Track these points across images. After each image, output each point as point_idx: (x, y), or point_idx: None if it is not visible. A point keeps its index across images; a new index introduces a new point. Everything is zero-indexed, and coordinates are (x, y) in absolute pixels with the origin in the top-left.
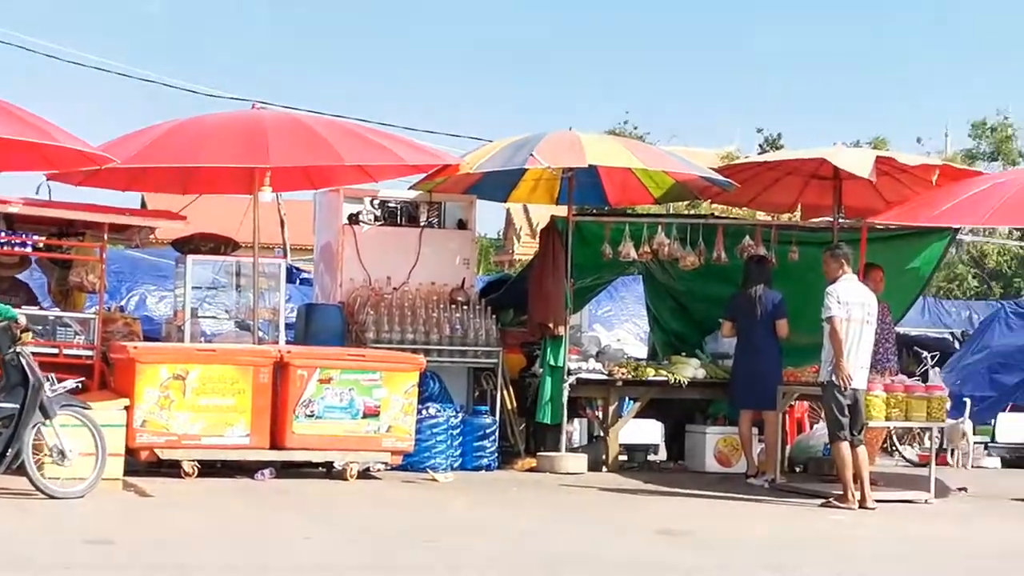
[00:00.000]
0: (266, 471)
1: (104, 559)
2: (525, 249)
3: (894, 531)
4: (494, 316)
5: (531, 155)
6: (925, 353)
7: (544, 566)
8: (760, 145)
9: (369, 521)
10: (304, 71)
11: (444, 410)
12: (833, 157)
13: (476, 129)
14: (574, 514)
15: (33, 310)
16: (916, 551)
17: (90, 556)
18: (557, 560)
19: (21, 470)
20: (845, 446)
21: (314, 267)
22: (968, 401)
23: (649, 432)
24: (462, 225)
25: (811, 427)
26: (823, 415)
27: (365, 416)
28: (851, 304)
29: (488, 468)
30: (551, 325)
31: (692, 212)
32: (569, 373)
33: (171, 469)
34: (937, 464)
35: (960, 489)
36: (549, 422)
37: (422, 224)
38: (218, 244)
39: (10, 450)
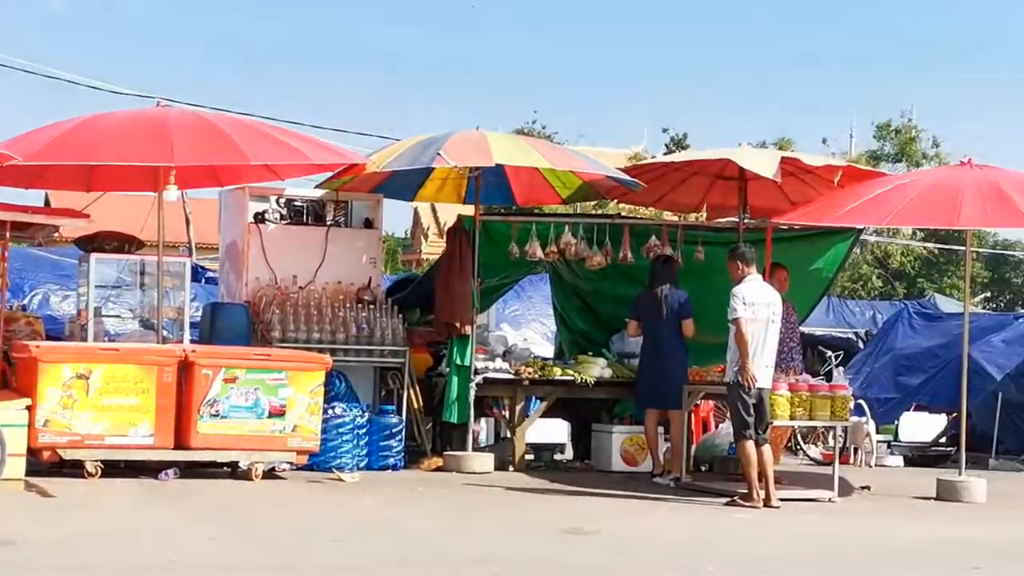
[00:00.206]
0: (170, 471)
1: (6, 560)
2: (432, 248)
3: (798, 529)
4: (401, 315)
5: (438, 154)
6: (829, 352)
7: (451, 566)
8: (666, 145)
9: (274, 521)
10: (210, 69)
11: (350, 410)
12: (738, 158)
13: (383, 128)
14: (481, 514)
15: None
16: (819, 549)
17: None
18: (464, 560)
19: None
20: (750, 445)
21: (219, 266)
22: (864, 403)
23: (556, 431)
24: (369, 224)
25: (716, 426)
26: (728, 414)
27: (270, 416)
28: (756, 304)
29: (394, 468)
30: (458, 324)
31: (599, 212)
32: (476, 372)
33: (74, 469)
34: (841, 463)
35: (863, 488)
36: (456, 421)
37: (328, 223)
38: (122, 242)
39: None
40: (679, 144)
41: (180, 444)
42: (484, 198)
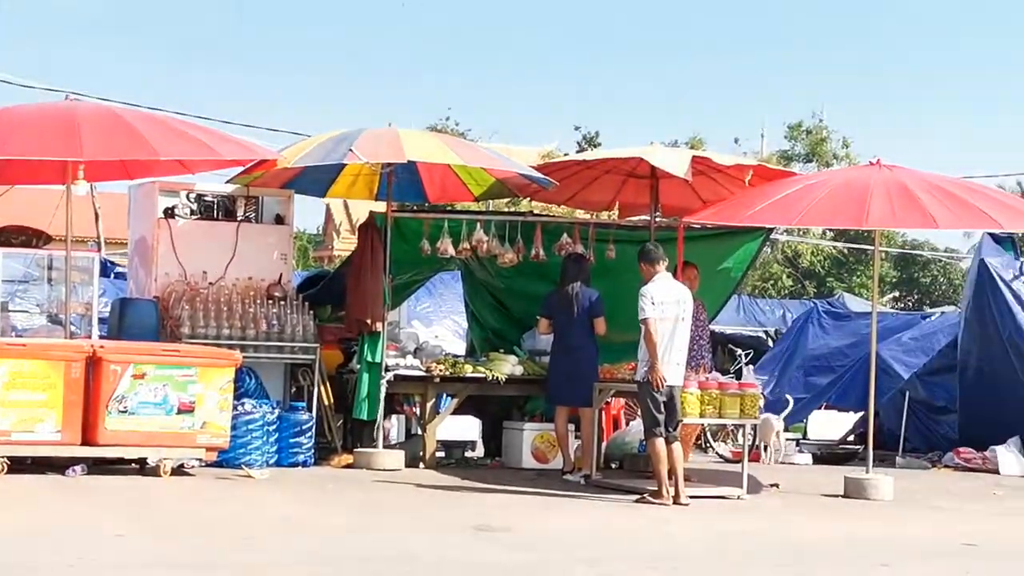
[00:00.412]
0: (77, 468)
1: None
2: (344, 245)
3: (707, 526)
4: (311, 312)
5: (350, 150)
6: (739, 351)
7: (360, 562)
8: (578, 143)
9: (183, 518)
10: (120, 64)
11: (260, 406)
12: (650, 156)
13: (295, 124)
14: (391, 511)
15: None
16: (728, 546)
17: None
18: (373, 557)
19: None
20: (660, 443)
21: (128, 261)
22: (789, 397)
23: (467, 428)
24: (280, 220)
25: (627, 424)
26: (639, 412)
27: (180, 412)
28: (665, 303)
29: (304, 464)
30: (369, 321)
31: (511, 210)
32: (387, 369)
33: None
34: (750, 460)
35: (772, 485)
36: (366, 418)
37: (239, 219)
38: (30, 237)
39: None
40: (591, 142)
41: (88, 441)
42: (396, 195)
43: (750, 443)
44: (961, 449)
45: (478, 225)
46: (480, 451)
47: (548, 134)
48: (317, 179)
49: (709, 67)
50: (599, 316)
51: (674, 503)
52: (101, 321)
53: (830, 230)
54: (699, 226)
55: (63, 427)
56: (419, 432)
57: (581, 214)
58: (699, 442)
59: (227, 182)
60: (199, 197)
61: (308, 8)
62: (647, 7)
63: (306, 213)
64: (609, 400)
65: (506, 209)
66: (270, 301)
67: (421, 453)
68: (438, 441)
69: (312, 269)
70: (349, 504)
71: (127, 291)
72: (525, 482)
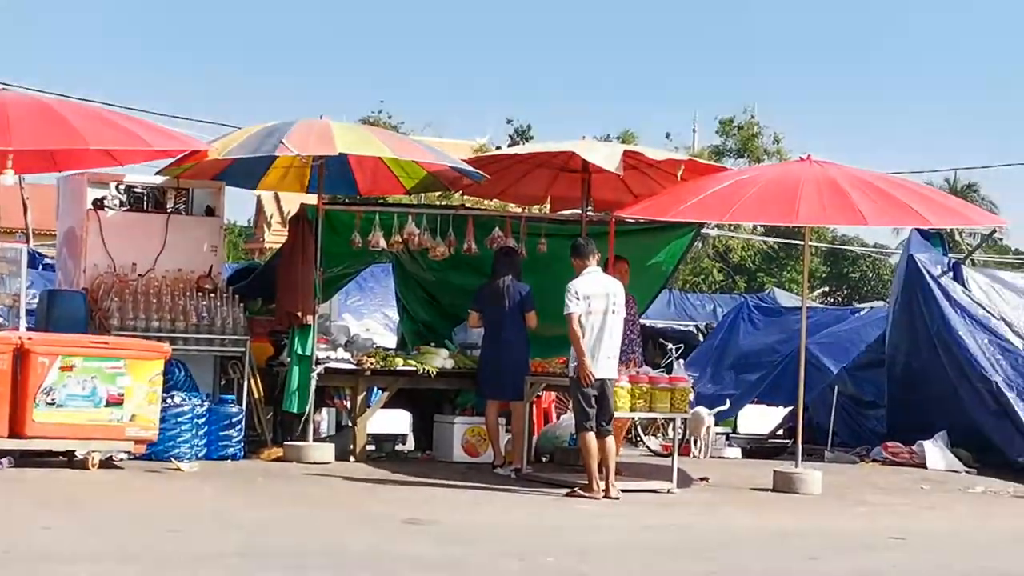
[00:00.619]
0: (4, 460)
1: None
2: (276, 237)
3: (637, 520)
4: (242, 304)
5: (281, 142)
6: (670, 345)
7: (288, 555)
8: (511, 136)
9: (111, 511)
10: (53, 54)
11: (189, 399)
12: (582, 151)
13: (227, 116)
14: (320, 504)
15: None
16: (658, 539)
17: None
18: (302, 550)
19: None
20: (591, 436)
21: (57, 252)
22: (728, 401)
23: (397, 422)
24: (210, 212)
25: (558, 417)
26: (570, 406)
27: (108, 404)
28: (593, 296)
29: (234, 457)
30: (299, 314)
31: (443, 203)
32: (317, 362)
33: None
34: (680, 454)
35: (702, 479)
36: (296, 411)
37: (169, 210)
38: None
39: None
40: (524, 135)
41: (15, 433)
42: (328, 187)
43: (680, 437)
44: (889, 443)
45: (410, 218)
46: (411, 444)
47: (481, 127)
48: (248, 171)
49: (641, 61)
50: (530, 310)
51: (605, 496)
52: (29, 313)
53: (761, 225)
54: (631, 220)
55: None
56: (349, 425)
57: (513, 208)
58: (629, 436)
59: (157, 173)
60: (129, 188)
61: None
62: (582, 1)
63: (237, 205)
64: (540, 394)
65: (438, 202)
66: (200, 293)
67: (351, 446)
68: (368, 434)
69: (243, 261)
70: (278, 497)
71: (56, 283)
72: (455, 475)
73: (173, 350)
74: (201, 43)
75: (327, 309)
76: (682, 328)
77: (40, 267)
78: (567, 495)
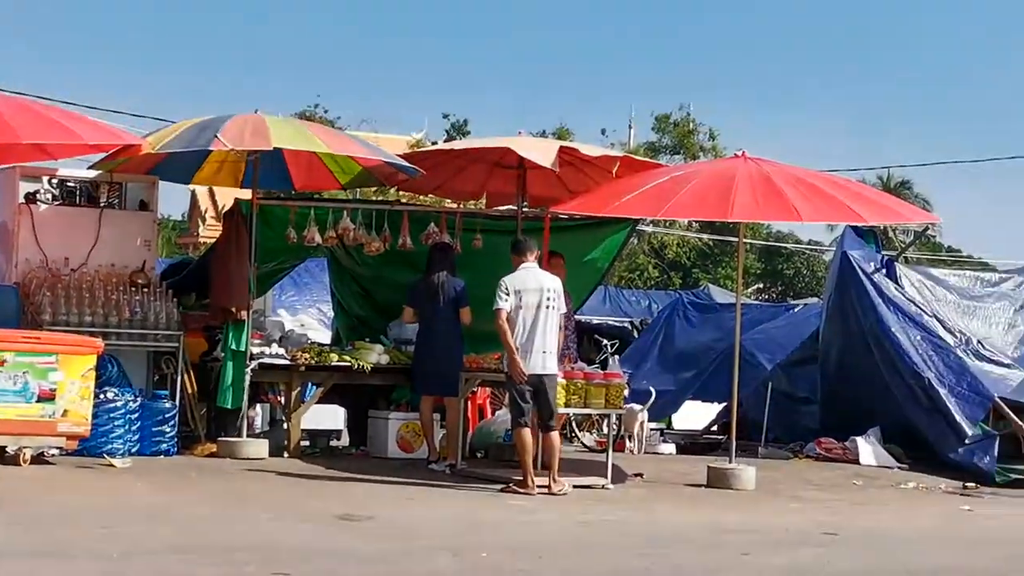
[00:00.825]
0: None
1: None
2: (210, 232)
3: (572, 515)
4: (175, 299)
5: (216, 136)
6: (605, 341)
7: (221, 552)
8: (447, 131)
9: (42, 507)
10: None
11: (122, 394)
12: (517, 146)
13: (161, 111)
14: (254, 500)
15: None
16: (593, 535)
17: None
18: (236, 546)
19: None
20: (526, 432)
21: None
22: (653, 391)
23: (332, 418)
24: (144, 206)
25: (493, 413)
26: (506, 401)
27: (40, 400)
28: (524, 291)
29: (167, 453)
30: (234, 309)
31: (379, 198)
32: (251, 358)
33: None
34: (615, 450)
35: (636, 475)
36: (230, 407)
37: (102, 205)
38: None
39: None
40: (460, 130)
41: None
42: (262, 182)
43: (615, 433)
44: (822, 439)
45: (345, 213)
46: (345, 440)
47: (417, 122)
48: (182, 165)
49: (577, 57)
50: (465, 306)
51: (548, 493)
52: None
53: (696, 222)
54: (566, 216)
55: None
56: (284, 421)
57: (449, 203)
58: (564, 432)
59: (90, 167)
60: (61, 182)
61: None
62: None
63: (171, 199)
64: (475, 390)
65: (373, 197)
66: (133, 288)
67: (286, 442)
68: (303, 430)
69: (176, 256)
70: (212, 493)
71: None
72: (390, 471)
73: (106, 345)
74: (135, 37)
75: (261, 304)
76: (617, 324)
77: None
78: (502, 491)
